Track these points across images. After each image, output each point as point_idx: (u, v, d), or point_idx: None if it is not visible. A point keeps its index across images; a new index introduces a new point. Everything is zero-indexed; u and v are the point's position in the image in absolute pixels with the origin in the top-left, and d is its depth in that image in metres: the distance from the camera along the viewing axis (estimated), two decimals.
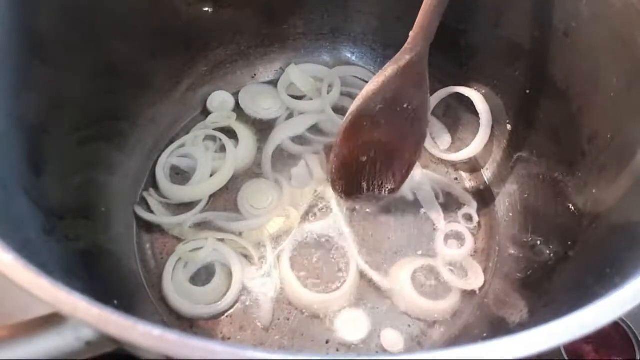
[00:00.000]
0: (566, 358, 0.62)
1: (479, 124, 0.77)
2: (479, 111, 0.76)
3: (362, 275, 0.70)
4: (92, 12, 0.62)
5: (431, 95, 0.81)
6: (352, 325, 0.66)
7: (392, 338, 0.66)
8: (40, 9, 0.55)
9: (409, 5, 0.77)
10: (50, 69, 0.57)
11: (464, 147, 0.80)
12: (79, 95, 0.62)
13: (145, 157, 0.77)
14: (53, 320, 0.34)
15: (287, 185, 0.76)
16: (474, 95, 0.77)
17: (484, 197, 0.78)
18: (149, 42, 0.72)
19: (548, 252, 0.63)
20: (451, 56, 0.78)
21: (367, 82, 0.86)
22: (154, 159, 0.77)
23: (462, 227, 0.74)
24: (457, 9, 0.73)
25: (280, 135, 0.81)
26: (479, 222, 0.76)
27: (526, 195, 0.72)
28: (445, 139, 0.83)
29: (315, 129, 0.83)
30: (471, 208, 0.76)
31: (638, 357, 0.63)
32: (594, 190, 0.58)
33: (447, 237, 0.73)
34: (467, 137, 0.81)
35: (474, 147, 0.78)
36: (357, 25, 0.85)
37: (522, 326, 0.52)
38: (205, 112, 0.83)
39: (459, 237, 0.74)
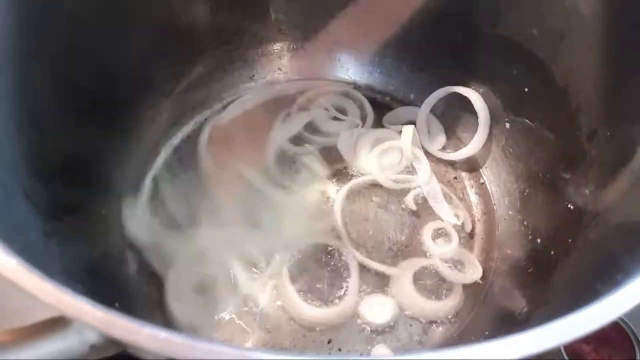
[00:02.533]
0: (566, 358, 0.62)
1: (478, 123, 0.77)
2: (477, 110, 0.77)
3: (365, 271, 0.70)
4: (91, 12, 0.62)
5: (429, 94, 0.81)
6: (377, 307, 0.67)
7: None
8: (40, 11, 0.55)
9: (409, 4, 0.78)
10: (50, 70, 0.57)
11: (462, 146, 0.80)
12: (78, 96, 0.62)
13: (144, 158, 0.77)
14: (57, 323, 0.34)
15: (292, 189, 0.75)
16: (472, 94, 0.77)
17: (484, 196, 0.78)
18: (148, 43, 0.72)
19: (548, 250, 0.63)
20: (450, 55, 0.78)
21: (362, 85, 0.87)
22: (153, 161, 0.77)
23: (443, 223, 0.75)
24: (456, 8, 0.74)
25: (279, 138, 0.80)
26: (476, 220, 0.76)
27: (526, 194, 0.72)
28: (442, 138, 0.84)
29: (311, 127, 0.83)
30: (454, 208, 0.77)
31: (638, 357, 0.63)
32: (593, 189, 0.59)
33: (433, 236, 0.73)
34: (466, 136, 0.81)
35: (473, 146, 0.78)
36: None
37: (523, 324, 0.52)
38: None
39: (444, 234, 0.74)
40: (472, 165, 0.81)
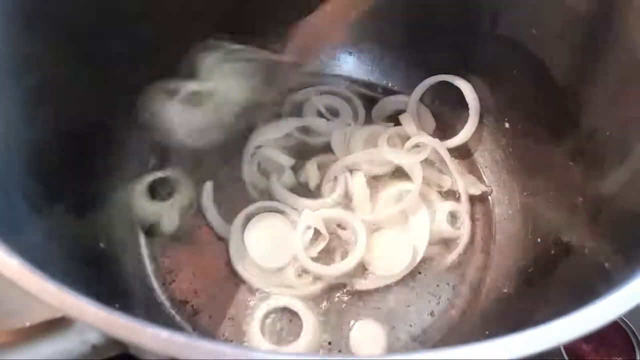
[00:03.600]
0: (566, 358, 0.62)
1: (465, 114, 0.78)
2: (467, 99, 0.77)
3: None
4: (90, 13, 0.62)
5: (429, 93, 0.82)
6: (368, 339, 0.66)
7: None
8: (38, 11, 0.55)
9: (407, 5, 0.78)
10: (48, 71, 0.57)
11: (452, 136, 0.80)
12: (77, 97, 0.62)
13: (143, 160, 0.77)
14: (59, 324, 0.34)
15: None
16: (462, 84, 0.78)
17: (482, 195, 0.78)
18: (146, 43, 0.72)
19: (549, 249, 0.63)
20: (450, 55, 0.78)
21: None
22: (152, 162, 0.77)
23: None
24: (454, 7, 0.74)
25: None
26: (476, 218, 0.76)
27: (525, 193, 0.72)
28: (432, 126, 0.84)
29: (303, 128, 0.82)
30: None
31: (638, 357, 0.63)
32: (593, 188, 0.59)
33: None
34: (454, 125, 0.81)
35: (464, 134, 0.79)
36: (354, 25, 0.85)
37: (524, 324, 0.52)
38: None
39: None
40: (471, 165, 0.81)
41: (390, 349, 0.65)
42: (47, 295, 0.30)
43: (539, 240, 0.66)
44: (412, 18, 0.79)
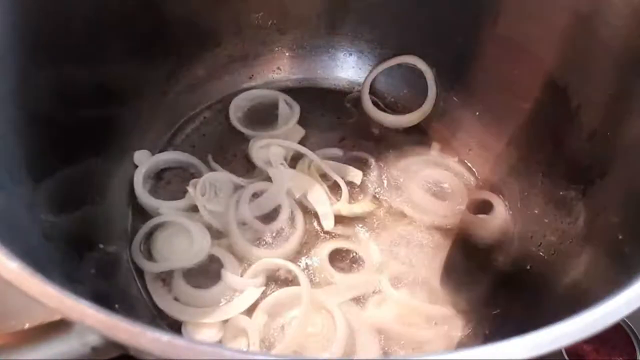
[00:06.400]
0: (566, 358, 0.62)
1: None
2: (426, 77, 0.81)
3: None
4: (91, 13, 0.62)
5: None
6: None
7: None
8: (40, 13, 0.55)
9: (407, 4, 0.78)
10: (49, 73, 0.57)
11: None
12: (77, 98, 0.62)
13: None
14: (59, 326, 0.34)
15: None
16: (422, 65, 0.81)
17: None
18: (147, 43, 0.72)
19: (550, 251, 0.63)
20: (450, 54, 0.78)
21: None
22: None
23: None
24: (455, 7, 0.74)
25: None
26: None
27: (526, 194, 0.72)
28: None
29: None
30: None
31: (638, 357, 0.63)
32: (594, 189, 0.59)
33: None
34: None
35: (420, 112, 0.82)
36: (354, 25, 0.85)
37: (526, 325, 0.52)
38: None
39: None
40: (471, 164, 0.80)
41: None
42: (46, 298, 0.30)
43: (540, 244, 0.66)
44: (412, 18, 0.79)
